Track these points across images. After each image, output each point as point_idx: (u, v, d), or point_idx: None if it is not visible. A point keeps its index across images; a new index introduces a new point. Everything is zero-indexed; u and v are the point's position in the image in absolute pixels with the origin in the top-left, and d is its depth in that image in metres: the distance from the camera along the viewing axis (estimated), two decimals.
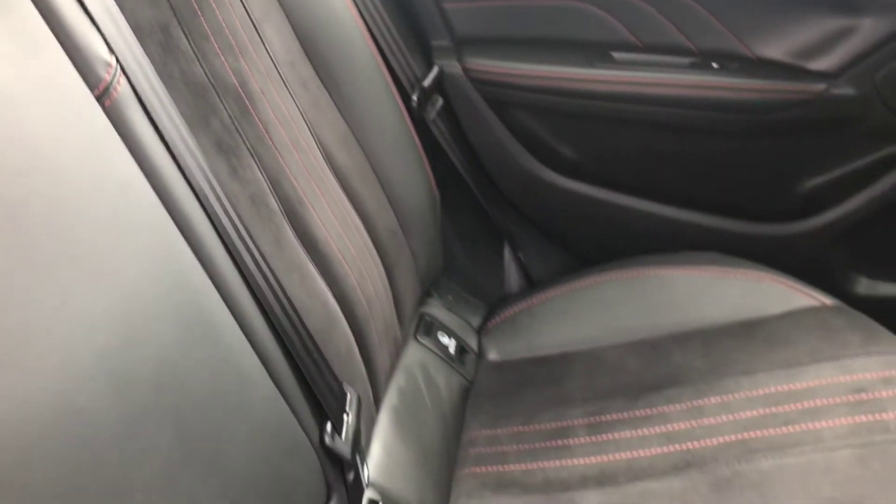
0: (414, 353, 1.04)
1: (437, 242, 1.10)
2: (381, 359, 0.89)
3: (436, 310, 1.13)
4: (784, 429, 0.85)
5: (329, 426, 0.64)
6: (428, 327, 1.09)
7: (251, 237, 0.63)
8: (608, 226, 1.26)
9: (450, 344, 1.10)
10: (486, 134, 1.19)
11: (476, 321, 1.19)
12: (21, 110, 0.43)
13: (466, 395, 1.06)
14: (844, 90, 1.12)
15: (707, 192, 1.23)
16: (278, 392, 0.59)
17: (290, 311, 0.64)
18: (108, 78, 0.51)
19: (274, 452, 0.56)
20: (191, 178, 0.56)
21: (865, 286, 1.28)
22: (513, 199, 1.27)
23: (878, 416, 0.83)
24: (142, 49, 0.56)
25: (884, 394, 0.86)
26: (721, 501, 0.80)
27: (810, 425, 0.85)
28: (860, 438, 0.81)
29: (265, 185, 0.73)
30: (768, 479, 0.80)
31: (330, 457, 0.64)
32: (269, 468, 0.55)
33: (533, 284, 1.31)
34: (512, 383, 1.06)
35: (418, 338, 1.07)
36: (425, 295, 1.13)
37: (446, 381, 1.04)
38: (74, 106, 0.48)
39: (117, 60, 0.52)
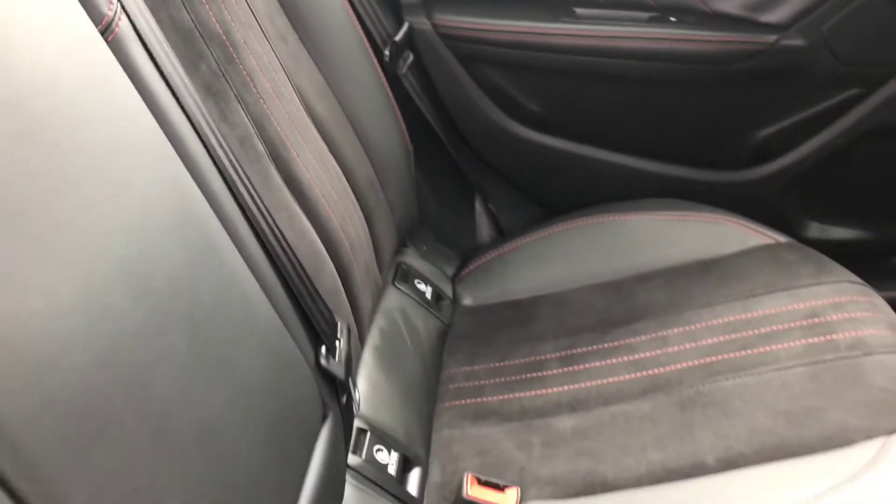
0: (393, 299, 1.07)
1: (412, 194, 1.14)
2: (364, 300, 0.93)
3: (412, 259, 1.17)
4: (742, 352, 0.91)
5: (323, 349, 0.68)
6: (405, 275, 1.13)
7: (244, 172, 0.66)
8: (574, 176, 1.31)
9: (426, 290, 1.14)
10: (455, 88, 1.23)
11: (450, 270, 1.23)
12: (37, 41, 0.46)
13: (444, 338, 1.10)
14: (795, 41, 1.17)
15: (667, 141, 1.28)
16: (276, 314, 0.63)
17: (283, 243, 0.67)
18: (110, 14, 0.54)
19: (274, 369, 0.60)
20: (189, 112, 0.59)
21: (817, 230, 1.35)
22: (482, 153, 1.31)
23: (828, 338, 0.89)
24: None
25: (834, 317, 0.92)
26: (685, 418, 0.85)
27: (767, 348, 0.90)
28: (812, 357, 0.87)
29: (252, 128, 0.76)
30: (729, 397, 0.86)
31: (325, 378, 0.68)
32: (270, 384, 0.59)
33: (503, 234, 1.35)
34: (486, 325, 1.11)
35: (396, 284, 1.10)
36: (401, 245, 1.17)
37: (424, 324, 1.08)
38: (81, 40, 0.51)
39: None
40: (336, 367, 0.69)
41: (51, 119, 0.45)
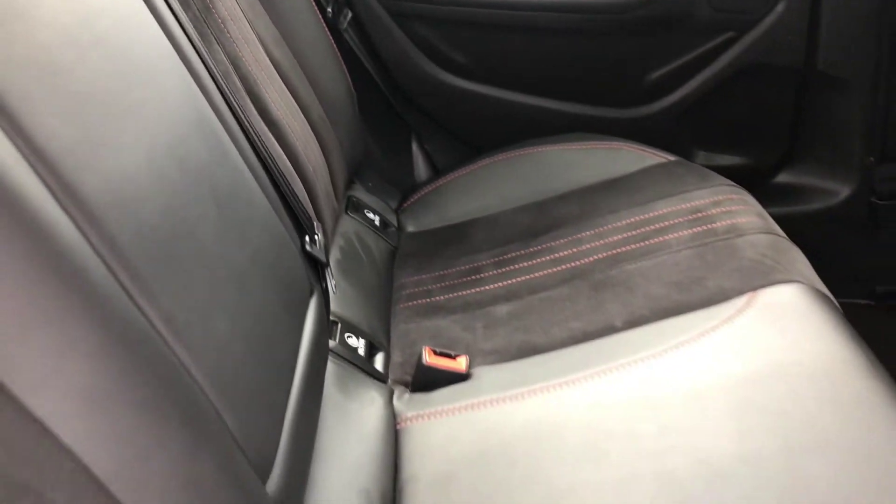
0: (347, 224, 1.22)
1: (358, 134, 1.28)
2: (327, 218, 1.07)
3: (360, 193, 1.31)
4: (642, 243, 1.09)
5: (307, 238, 0.83)
6: (356, 206, 1.27)
7: (233, 94, 0.80)
8: (497, 117, 1.48)
9: (375, 219, 1.28)
10: (390, 42, 1.38)
11: (393, 203, 1.38)
12: None
13: (393, 257, 1.25)
14: None
15: (574, 84, 1.45)
16: (270, 207, 0.77)
17: (269, 151, 0.81)
18: None
19: (275, 245, 0.74)
20: (195, 45, 0.73)
21: (704, 157, 1.54)
22: (417, 100, 1.46)
23: (709, 226, 1.08)
24: None
25: (713, 211, 1.11)
26: (598, 296, 1.03)
27: (661, 238, 1.09)
28: (697, 242, 1.06)
29: (230, 66, 0.90)
30: (631, 276, 1.04)
31: (309, 261, 0.83)
32: (274, 255, 0.73)
33: (438, 171, 1.51)
34: (429, 245, 1.26)
35: (349, 213, 1.25)
36: (351, 181, 1.31)
37: (376, 245, 1.23)
38: None
39: None
40: (317, 251, 0.84)
41: (109, 36, 0.58)
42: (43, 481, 0.42)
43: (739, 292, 0.95)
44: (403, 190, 1.42)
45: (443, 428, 0.87)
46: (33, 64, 0.49)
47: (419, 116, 1.49)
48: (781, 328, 0.88)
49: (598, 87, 1.46)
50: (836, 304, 0.96)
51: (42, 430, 0.42)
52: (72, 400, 0.44)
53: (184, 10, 0.82)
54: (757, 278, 0.97)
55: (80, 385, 0.45)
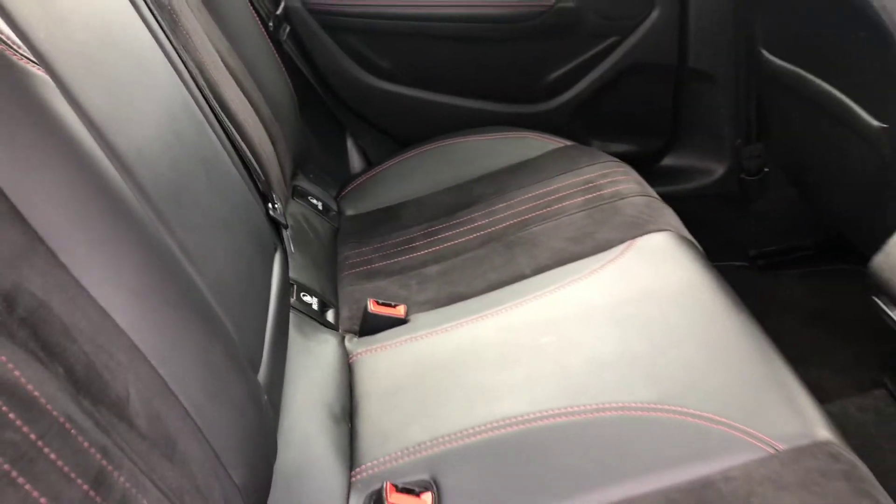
0: (295, 208, 1.39)
1: (300, 131, 1.46)
2: (280, 198, 1.25)
3: (304, 183, 1.49)
4: (544, 210, 1.30)
5: (269, 205, 1.00)
6: (301, 193, 1.45)
7: (203, 91, 0.97)
8: (420, 115, 1.68)
9: (318, 204, 1.46)
10: (323, 51, 1.57)
11: (333, 192, 1.56)
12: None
13: (335, 236, 1.43)
14: (567, 3, 1.59)
15: (484, 84, 1.67)
16: (241, 178, 0.95)
17: (236, 136, 0.99)
18: None
19: (247, 206, 0.92)
20: (174, 45, 0.90)
21: (599, 146, 1.76)
22: (349, 101, 1.65)
23: (597, 193, 1.30)
24: None
25: (601, 182, 1.33)
26: (511, 253, 1.23)
27: (560, 205, 1.30)
28: (588, 205, 1.27)
29: (196, 70, 1.07)
30: (537, 236, 1.24)
31: (272, 223, 1.01)
32: (248, 212, 0.91)
33: (371, 163, 1.70)
34: (367, 224, 1.45)
35: (295, 199, 1.42)
36: (295, 172, 1.49)
37: (321, 225, 1.41)
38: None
39: None
40: (279, 216, 1.01)
41: (120, 40, 0.76)
42: (103, 354, 0.59)
43: (621, 241, 1.17)
44: (341, 180, 1.61)
45: (388, 357, 1.06)
46: (78, 56, 0.66)
47: (352, 116, 1.68)
48: (653, 264, 1.10)
49: (506, 86, 1.68)
50: (698, 246, 1.18)
51: (104, 315, 0.59)
52: (124, 295, 0.61)
53: (161, 22, 0.99)
54: (635, 229, 1.18)
55: (129, 284, 0.62)
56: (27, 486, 0.45)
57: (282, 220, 1.02)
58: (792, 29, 1.40)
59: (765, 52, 1.49)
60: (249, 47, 1.32)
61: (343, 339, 1.13)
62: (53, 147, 0.58)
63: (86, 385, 0.54)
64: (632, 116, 1.76)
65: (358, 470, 0.89)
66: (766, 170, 1.73)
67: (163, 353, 0.63)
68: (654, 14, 1.62)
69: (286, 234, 1.06)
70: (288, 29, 1.49)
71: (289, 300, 1.05)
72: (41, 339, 0.52)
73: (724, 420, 0.82)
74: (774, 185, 1.72)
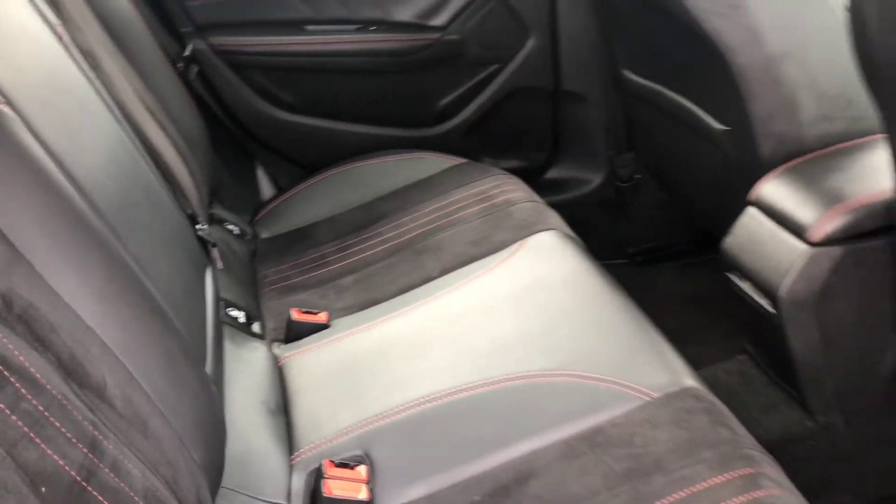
0: (214, 234, 1.48)
1: (213, 164, 1.55)
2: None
3: (219, 210, 1.57)
4: (445, 220, 1.43)
5: (197, 227, 1.10)
6: (218, 220, 1.53)
7: (134, 128, 1.07)
8: (323, 143, 1.79)
9: (234, 229, 1.55)
10: (230, 88, 1.67)
11: (247, 217, 1.65)
12: (37, 47, 0.86)
13: (253, 258, 1.52)
14: (452, 36, 1.74)
15: (382, 112, 1.80)
16: (171, 203, 1.04)
17: (163, 166, 1.08)
18: (61, 32, 0.93)
19: (182, 226, 1.02)
20: (102, 87, 0.99)
21: (490, 162, 1.92)
22: (257, 134, 1.75)
23: (491, 203, 1.44)
24: None
25: (493, 192, 1.47)
26: (419, 259, 1.35)
27: (458, 215, 1.44)
28: (484, 213, 1.41)
29: (120, 105, 1.16)
30: (441, 243, 1.37)
31: (201, 241, 1.10)
32: (183, 232, 1.00)
33: (281, 189, 1.80)
34: (282, 244, 1.55)
35: (213, 225, 1.51)
36: (210, 201, 1.57)
37: (239, 248, 1.50)
38: (55, 46, 0.90)
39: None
40: (208, 235, 1.11)
41: (67, 77, 0.85)
42: (81, 348, 0.68)
43: (514, 241, 1.31)
44: (253, 207, 1.70)
45: (314, 358, 1.16)
46: (35, 98, 0.75)
47: (260, 147, 1.78)
48: (542, 258, 1.25)
49: (402, 113, 1.81)
50: (580, 241, 1.34)
51: (77, 315, 0.68)
52: (91, 299, 0.70)
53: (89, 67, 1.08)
54: (525, 230, 1.33)
55: (95, 290, 0.71)
56: (43, 446, 0.54)
57: (210, 239, 1.12)
58: (647, 51, 1.60)
59: (626, 72, 1.69)
60: (162, 87, 1.41)
61: (270, 346, 1.23)
62: (25, 176, 0.68)
63: (71, 371, 0.63)
64: (517, 135, 1.92)
65: (297, 453, 0.99)
66: (637, 176, 1.92)
67: (127, 348, 0.72)
68: (530, 43, 1.79)
69: (215, 252, 1.15)
70: (196, 69, 1.58)
71: (220, 312, 1.14)
72: (34, 332, 0.61)
73: (609, 378, 0.97)
74: (646, 190, 1.92)
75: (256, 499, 0.92)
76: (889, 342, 1.18)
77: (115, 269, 0.74)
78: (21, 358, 0.57)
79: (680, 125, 1.51)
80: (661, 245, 1.97)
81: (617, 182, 1.93)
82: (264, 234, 1.60)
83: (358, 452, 0.97)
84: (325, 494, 0.90)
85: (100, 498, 0.57)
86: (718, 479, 0.81)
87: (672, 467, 0.84)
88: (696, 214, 1.78)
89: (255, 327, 1.28)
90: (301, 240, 1.54)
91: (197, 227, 1.11)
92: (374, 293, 1.31)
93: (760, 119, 1.25)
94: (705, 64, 1.31)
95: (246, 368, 1.12)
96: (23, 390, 0.55)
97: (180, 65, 1.51)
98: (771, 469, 0.84)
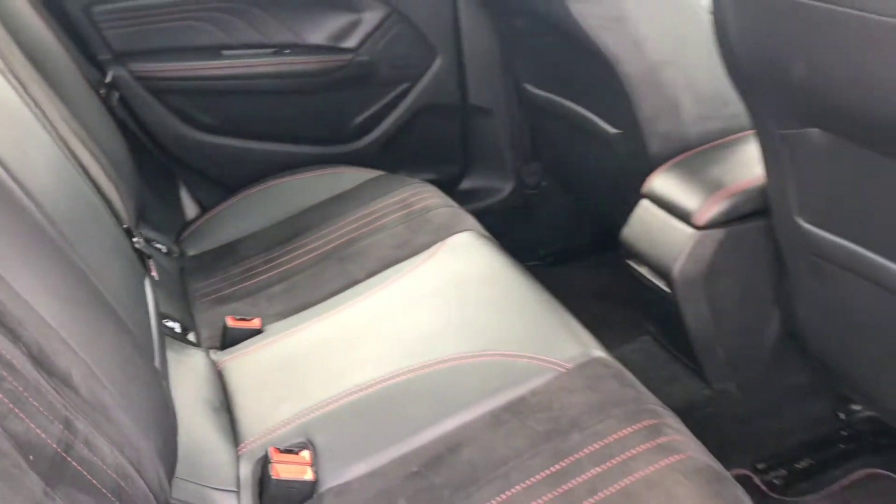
0: (145, 248, 1.51)
1: (138, 185, 1.58)
2: None
3: (146, 231, 1.61)
4: (367, 228, 1.51)
5: (133, 240, 1.14)
6: (147, 239, 1.57)
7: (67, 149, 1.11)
8: (245, 162, 1.84)
9: (161, 247, 1.59)
10: (151, 113, 1.71)
11: (173, 236, 1.69)
12: None
13: (182, 274, 1.56)
14: (363, 57, 1.83)
15: (301, 130, 1.87)
16: (110, 217, 1.09)
17: (98, 188, 1.13)
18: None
19: (121, 238, 1.06)
20: (49, 117, 1.04)
21: (408, 175, 2.01)
22: (179, 155, 1.79)
23: (410, 209, 1.53)
24: None
25: (412, 200, 1.56)
26: (343, 265, 1.42)
27: (380, 223, 1.52)
28: (405, 219, 1.50)
29: (56, 133, 1.19)
30: (365, 249, 1.45)
31: (137, 253, 1.15)
32: (123, 244, 1.05)
33: (204, 209, 1.84)
34: (210, 260, 1.59)
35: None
36: (137, 223, 1.60)
37: (168, 265, 1.54)
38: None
39: None
40: (144, 249, 1.16)
41: (18, 109, 0.90)
42: (46, 342, 0.73)
43: (434, 242, 1.40)
44: (178, 226, 1.74)
45: (251, 360, 1.22)
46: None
47: (183, 168, 1.82)
48: (461, 256, 1.35)
49: (320, 130, 1.89)
50: (494, 240, 1.44)
51: (37, 313, 0.73)
52: (51, 300, 0.75)
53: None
54: (444, 232, 1.42)
55: (54, 292, 0.76)
56: (27, 420, 0.59)
57: (146, 251, 1.16)
58: (545, 65, 1.73)
59: (528, 86, 1.81)
60: (86, 113, 1.44)
61: (207, 353, 1.28)
62: None
63: (40, 361, 0.68)
64: (430, 149, 2.02)
65: (243, 444, 1.04)
66: (543, 183, 2.05)
67: (86, 344, 0.77)
68: (437, 63, 1.90)
69: (151, 262, 1.20)
70: (117, 95, 1.62)
71: (160, 318, 1.18)
72: (6, 326, 0.66)
73: (527, 354, 1.07)
74: (552, 195, 2.05)
75: (208, 487, 0.97)
76: (771, 314, 1.32)
77: (70, 273, 0.79)
78: None
79: (578, 132, 1.63)
80: (568, 246, 2.11)
81: (525, 190, 2.05)
82: (191, 252, 1.65)
83: (301, 439, 1.03)
84: (273, 477, 0.96)
85: (79, 468, 0.62)
86: (627, 431, 0.92)
87: (586, 425, 0.94)
88: (598, 214, 1.91)
89: (191, 337, 1.33)
90: (228, 255, 1.59)
91: (133, 240, 1.15)
92: (303, 298, 1.38)
93: (647, 121, 1.38)
94: (596, 74, 1.44)
95: (187, 372, 1.17)
96: (3, 372, 0.60)
97: (102, 91, 1.55)
98: (671, 420, 0.95)
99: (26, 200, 0.76)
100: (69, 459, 0.62)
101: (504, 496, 0.88)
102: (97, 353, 0.78)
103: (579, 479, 0.87)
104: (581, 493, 0.86)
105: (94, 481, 0.64)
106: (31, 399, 0.62)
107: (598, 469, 0.88)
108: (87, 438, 0.67)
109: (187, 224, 1.72)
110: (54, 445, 0.61)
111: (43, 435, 0.60)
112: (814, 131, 0.97)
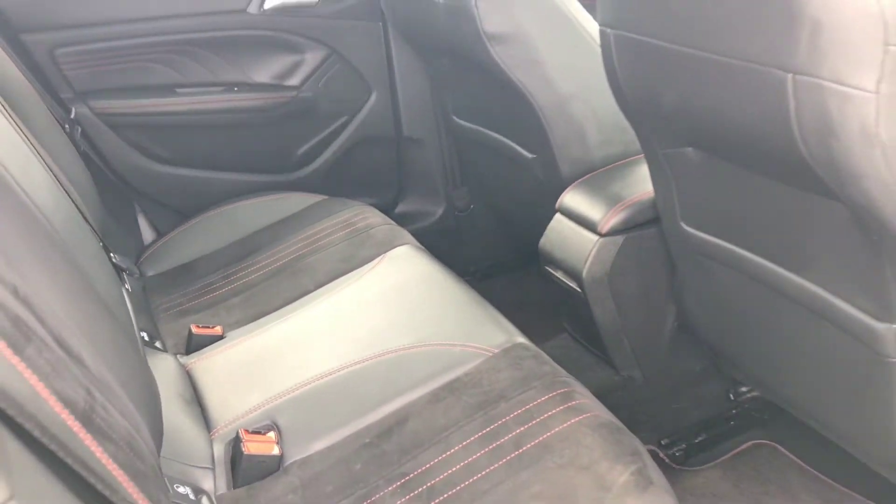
0: None
1: (101, 212, 1.70)
2: None
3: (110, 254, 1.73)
4: (314, 245, 1.66)
5: (110, 254, 1.27)
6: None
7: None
8: (197, 190, 1.98)
9: (124, 269, 1.70)
10: (110, 146, 1.83)
11: (132, 259, 1.80)
12: None
13: (145, 292, 1.68)
14: (306, 94, 2.00)
15: (249, 160, 2.02)
16: (92, 233, 1.22)
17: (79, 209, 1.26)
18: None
19: (102, 253, 1.19)
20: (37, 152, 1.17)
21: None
22: (136, 184, 1.92)
23: (353, 227, 1.69)
24: None
25: (355, 220, 1.72)
26: (295, 278, 1.57)
27: (326, 240, 1.67)
28: (348, 237, 1.66)
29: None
30: (313, 264, 1.60)
31: (115, 267, 1.27)
32: (104, 259, 1.18)
33: (160, 233, 1.96)
34: (170, 278, 1.72)
35: None
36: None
37: (131, 283, 1.65)
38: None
39: None
40: (120, 263, 1.29)
41: (17, 145, 1.03)
42: (59, 328, 0.86)
43: (376, 256, 1.56)
44: (136, 249, 1.86)
45: (216, 360, 1.35)
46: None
47: (140, 195, 1.94)
48: (402, 266, 1.51)
49: (268, 160, 2.04)
50: (430, 253, 1.61)
51: (45, 300, 0.86)
52: (59, 292, 0.89)
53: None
54: (385, 246, 1.59)
55: (60, 287, 0.90)
56: (62, 382, 0.73)
57: (122, 265, 1.29)
58: (470, 100, 1.92)
59: (455, 118, 2.00)
60: (53, 145, 1.56)
61: (175, 357, 1.40)
62: (7, 199, 0.86)
63: (60, 343, 0.82)
64: (368, 175, 2.19)
65: (215, 430, 1.18)
66: (472, 206, 2.24)
67: (89, 333, 0.90)
68: (372, 98, 2.08)
69: (125, 275, 1.32)
70: (80, 129, 1.74)
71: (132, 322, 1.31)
72: (34, 314, 0.79)
73: (460, 343, 1.24)
74: (480, 217, 2.24)
75: (188, 465, 1.10)
76: (667, 308, 1.52)
77: (71, 272, 0.92)
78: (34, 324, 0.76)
79: (500, 157, 1.83)
80: (494, 262, 2.29)
81: (455, 212, 2.24)
82: (150, 272, 1.77)
83: (267, 422, 1.17)
84: (245, 453, 1.10)
85: (103, 426, 0.76)
86: (544, 398, 1.09)
87: (511, 395, 1.11)
88: (519, 229, 2.10)
89: (158, 345, 1.45)
90: (186, 273, 1.72)
91: (111, 255, 1.28)
92: (260, 308, 1.52)
93: (558, 147, 1.59)
94: (514, 107, 1.63)
95: (159, 373, 1.29)
96: (41, 346, 0.74)
97: (66, 126, 1.67)
98: (579, 388, 1.13)
99: (38, 214, 0.90)
100: (94, 416, 0.75)
101: (444, 455, 1.04)
102: (98, 341, 0.91)
103: (506, 437, 1.04)
104: (508, 448, 1.03)
105: (112, 436, 0.77)
106: (62, 368, 0.75)
107: (522, 428, 1.05)
108: (104, 404, 0.80)
109: (146, 248, 1.84)
110: (83, 404, 0.74)
111: (73, 395, 0.74)
112: (688, 150, 1.18)
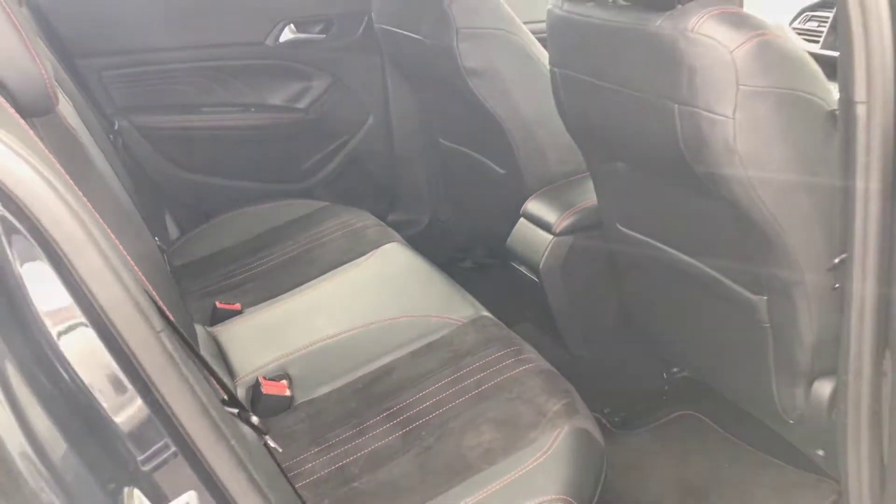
0: None
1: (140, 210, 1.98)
2: None
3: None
4: (317, 242, 1.94)
5: (155, 238, 1.55)
6: None
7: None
8: (217, 195, 2.27)
9: (165, 251, 1.98)
10: (146, 154, 2.12)
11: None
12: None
13: (174, 277, 1.95)
14: (311, 116, 2.29)
15: (263, 171, 2.31)
16: (143, 221, 1.49)
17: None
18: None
19: (149, 236, 1.47)
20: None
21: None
22: (166, 187, 2.21)
23: (351, 228, 1.97)
24: None
25: (352, 221, 2.00)
26: (301, 267, 1.85)
27: (327, 238, 1.95)
28: (346, 236, 1.94)
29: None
30: (315, 258, 1.88)
31: (161, 250, 1.55)
32: (152, 242, 1.46)
33: (184, 231, 2.24)
34: (195, 268, 1.99)
35: None
36: None
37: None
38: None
39: None
40: (161, 246, 1.56)
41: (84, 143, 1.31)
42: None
43: (370, 250, 1.84)
44: (165, 244, 2.13)
45: (236, 328, 1.63)
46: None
47: (168, 197, 2.23)
48: (391, 258, 1.79)
49: (279, 171, 2.33)
50: (414, 249, 1.89)
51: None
52: (138, 259, 1.16)
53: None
54: (377, 243, 1.87)
55: (139, 252, 1.17)
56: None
57: (164, 247, 1.57)
58: (452, 123, 2.21)
59: (440, 139, 2.30)
60: (106, 151, 1.84)
61: (203, 326, 1.67)
62: (99, 184, 1.14)
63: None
64: (364, 187, 2.47)
65: (238, 378, 1.45)
66: (452, 217, 2.52)
67: (159, 293, 1.18)
68: (370, 120, 2.37)
69: (164, 256, 1.60)
70: (121, 140, 2.03)
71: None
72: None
73: (436, 315, 1.52)
74: (459, 223, 2.52)
75: None
76: (611, 298, 1.80)
77: (149, 246, 1.20)
78: None
79: (476, 173, 2.12)
80: (470, 260, 2.57)
81: (439, 220, 2.52)
82: (177, 262, 2.04)
83: (280, 373, 1.45)
84: (264, 393, 1.37)
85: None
86: (501, 353, 1.37)
87: (477, 352, 1.39)
88: (492, 234, 2.39)
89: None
90: (209, 264, 1.99)
91: (155, 238, 1.56)
92: (272, 290, 1.79)
93: (524, 163, 1.88)
94: (488, 130, 1.92)
95: (195, 337, 1.56)
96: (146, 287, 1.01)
97: (111, 136, 1.95)
98: (528, 346, 1.41)
99: (123, 197, 1.17)
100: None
101: (420, 394, 1.32)
102: (165, 298, 1.19)
103: (469, 381, 1.32)
104: (470, 388, 1.30)
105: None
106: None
107: (482, 374, 1.33)
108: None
109: (172, 243, 2.12)
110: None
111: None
112: (619, 164, 1.47)
